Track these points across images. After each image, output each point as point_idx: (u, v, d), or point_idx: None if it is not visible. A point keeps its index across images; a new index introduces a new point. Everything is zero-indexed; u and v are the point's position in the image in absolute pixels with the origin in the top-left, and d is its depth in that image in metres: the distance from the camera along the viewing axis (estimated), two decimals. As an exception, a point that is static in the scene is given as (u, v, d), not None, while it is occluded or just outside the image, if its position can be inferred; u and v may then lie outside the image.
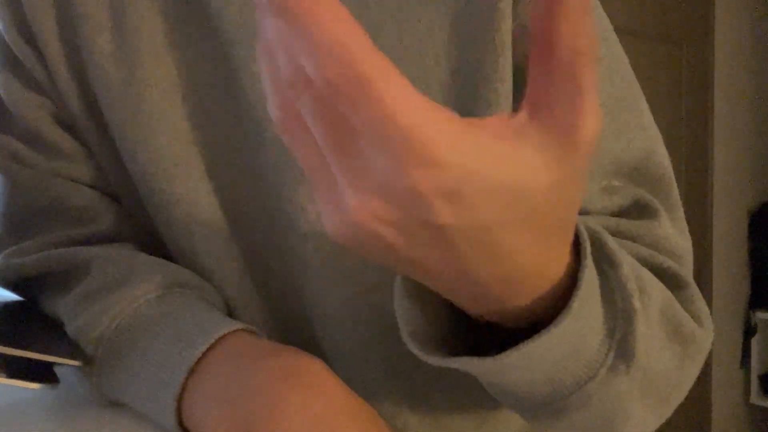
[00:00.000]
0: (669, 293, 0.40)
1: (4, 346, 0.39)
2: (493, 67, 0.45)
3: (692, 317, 0.42)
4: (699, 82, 2.42)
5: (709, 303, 2.45)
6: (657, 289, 0.39)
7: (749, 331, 2.55)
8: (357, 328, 0.48)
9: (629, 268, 0.35)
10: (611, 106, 0.46)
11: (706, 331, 0.42)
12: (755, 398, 2.54)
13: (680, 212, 0.48)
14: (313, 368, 0.38)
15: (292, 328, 0.51)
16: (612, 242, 0.35)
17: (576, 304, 0.30)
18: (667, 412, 0.42)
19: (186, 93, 0.49)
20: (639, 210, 0.45)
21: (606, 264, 0.35)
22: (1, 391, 0.48)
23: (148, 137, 0.48)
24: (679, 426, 2.34)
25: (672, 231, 0.45)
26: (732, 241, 2.53)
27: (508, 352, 0.30)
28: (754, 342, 2.53)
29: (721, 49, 2.48)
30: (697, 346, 0.41)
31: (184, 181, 0.49)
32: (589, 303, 0.32)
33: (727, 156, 2.52)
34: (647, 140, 0.47)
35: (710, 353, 2.43)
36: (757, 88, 2.62)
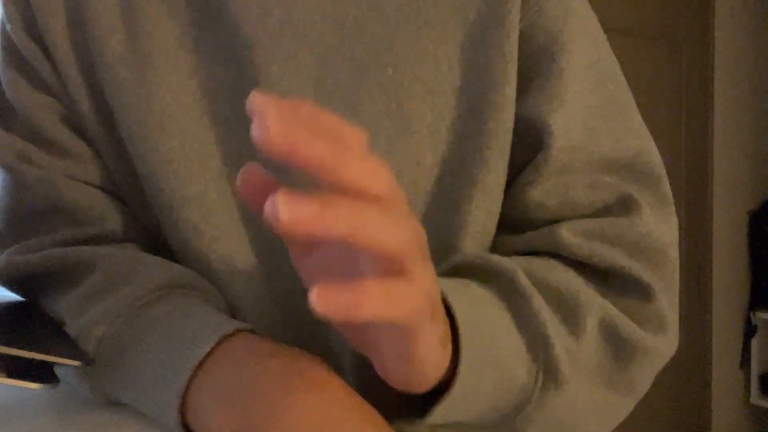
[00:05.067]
0: (613, 310, 0.45)
1: (4, 346, 0.39)
2: (503, 73, 0.47)
3: (652, 325, 0.46)
4: (699, 82, 2.42)
5: (709, 303, 2.45)
6: (596, 308, 0.44)
7: (749, 332, 2.55)
8: None
9: (541, 300, 0.42)
10: (603, 109, 0.49)
11: (665, 338, 0.46)
12: (755, 399, 2.54)
13: (670, 207, 0.50)
14: (316, 368, 0.38)
15: (303, 329, 0.51)
16: (524, 279, 0.42)
17: (462, 368, 0.37)
18: (624, 402, 0.47)
19: (197, 95, 0.49)
20: (622, 205, 0.48)
21: (519, 299, 0.41)
22: (1, 391, 0.48)
23: (159, 139, 0.48)
24: (680, 426, 2.34)
25: (654, 226, 0.48)
26: (732, 241, 2.53)
27: (432, 410, 0.38)
28: (754, 342, 2.53)
29: (721, 49, 2.48)
30: (644, 351, 0.45)
31: (194, 183, 0.49)
32: (489, 345, 0.39)
33: (727, 156, 2.52)
34: (636, 141, 0.50)
35: (710, 353, 2.44)
36: (757, 88, 2.62)
